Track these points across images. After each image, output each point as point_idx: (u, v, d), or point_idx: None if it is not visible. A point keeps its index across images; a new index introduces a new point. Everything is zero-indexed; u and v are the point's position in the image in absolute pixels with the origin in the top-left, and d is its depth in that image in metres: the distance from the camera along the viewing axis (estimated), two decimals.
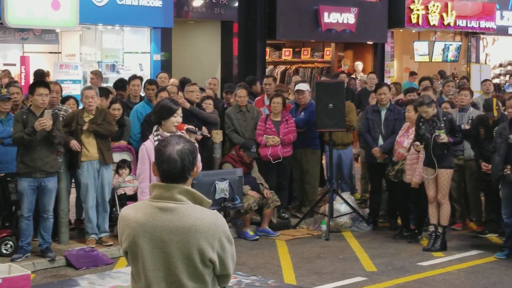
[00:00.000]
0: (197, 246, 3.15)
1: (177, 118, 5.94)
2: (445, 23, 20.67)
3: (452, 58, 21.23)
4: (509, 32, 23.36)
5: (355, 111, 11.27)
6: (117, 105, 9.41)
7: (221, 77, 16.34)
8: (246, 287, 7.56)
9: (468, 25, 21.35)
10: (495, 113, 9.23)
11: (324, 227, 9.78)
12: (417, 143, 8.85)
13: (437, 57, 20.84)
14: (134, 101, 10.35)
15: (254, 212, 9.79)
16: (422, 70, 20.68)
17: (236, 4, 16.91)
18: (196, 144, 6.02)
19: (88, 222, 8.81)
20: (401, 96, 12.26)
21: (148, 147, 6.02)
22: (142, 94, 10.76)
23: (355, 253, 9.05)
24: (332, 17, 18.09)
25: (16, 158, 8.21)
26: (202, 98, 10.36)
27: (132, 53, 15.47)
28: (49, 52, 15.52)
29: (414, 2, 19.85)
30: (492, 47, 23.89)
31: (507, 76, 17.21)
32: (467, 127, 9.70)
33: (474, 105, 10.52)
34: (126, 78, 11.67)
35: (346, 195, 10.34)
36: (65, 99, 9.77)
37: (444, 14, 20.56)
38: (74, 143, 8.53)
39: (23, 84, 12.58)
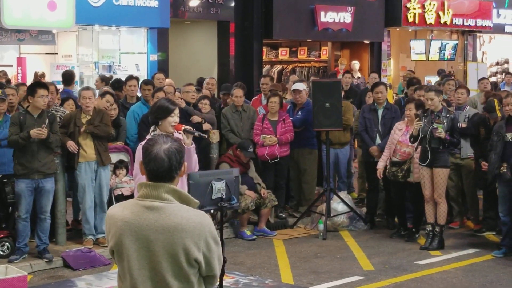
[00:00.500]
0: (183, 246, 3.14)
1: (174, 118, 5.94)
2: (442, 21, 20.67)
3: (449, 57, 21.22)
4: (505, 30, 23.37)
5: (352, 110, 11.27)
6: (110, 98, 9.33)
7: (218, 77, 16.33)
8: (244, 287, 7.56)
9: (465, 23, 21.35)
10: (499, 114, 9.22)
11: (321, 226, 9.78)
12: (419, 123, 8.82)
13: (434, 55, 20.83)
14: (131, 102, 10.34)
15: (252, 212, 9.80)
16: (419, 69, 20.68)
17: (233, 4, 16.90)
18: (194, 145, 6.09)
19: (85, 223, 8.80)
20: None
21: None
22: (139, 94, 10.75)
23: (353, 252, 9.06)
24: (328, 17, 18.08)
25: (13, 159, 8.20)
26: (198, 98, 10.36)
27: (129, 53, 15.45)
28: (46, 53, 15.51)
29: (410, 1, 19.85)
30: (489, 45, 23.90)
31: (503, 74, 17.20)
32: (464, 125, 9.71)
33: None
34: (123, 78, 11.65)
35: (343, 194, 10.35)
36: (64, 100, 9.77)
37: (440, 13, 20.56)
38: (70, 144, 8.53)
39: None
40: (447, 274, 8.17)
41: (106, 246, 8.61)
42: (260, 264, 8.52)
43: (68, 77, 12.00)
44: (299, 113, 10.54)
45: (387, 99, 10.41)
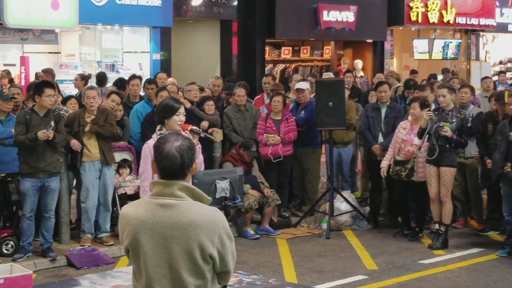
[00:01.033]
0: (198, 242, 3.17)
1: (180, 116, 5.95)
2: (445, 20, 20.66)
3: (452, 56, 21.21)
4: (508, 29, 23.35)
5: (355, 109, 11.25)
6: (116, 97, 9.33)
7: (221, 76, 16.32)
8: (247, 286, 7.56)
9: (468, 22, 21.33)
10: (506, 100, 9.20)
11: (324, 225, 9.77)
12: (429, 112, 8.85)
13: (437, 54, 20.82)
14: (134, 101, 10.35)
15: (255, 211, 9.79)
16: (422, 68, 20.66)
17: (235, 3, 16.90)
18: (200, 145, 6.09)
19: (86, 221, 8.80)
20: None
21: (151, 146, 6.02)
22: (142, 93, 10.76)
23: (356, 252, 9.05)
24: (331, 16, 18.08)
25: (18, 158, 8.20)
26: (202, 98, 10.35)
27: (132, 52, 15.46)
28: (49, 52, 15.53)
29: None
30: (492, 44, 23.88)
31: (501, 74, 17.12)
32: (468, 124, 9.69)
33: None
34: (126, 77, 11.66)
35: (346, 193, 10.34)
36: (66, 99, 9.77)
37: (443, 12, 20.55)
38: (74, 143, 8.53)
39: (23, 84, 12.57)
40: (451, 273, 8.16)
41: (110, 245, 8.67)
42: (264, 263, 8.52)
43: (101, 78, 12.42)
44: (302, 112, 10.53)
45: (390, 98, 10.40)
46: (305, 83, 10.71)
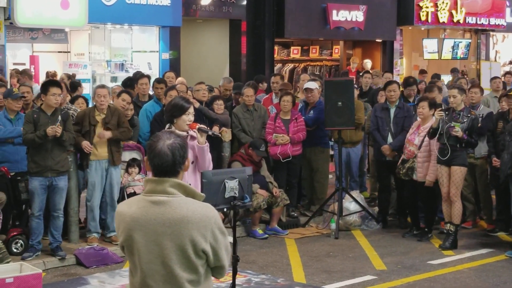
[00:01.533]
0: (190, 237, 3.22)
1: (189, 116, 5.97)
2: (455, 20, 20.60)
3: (462, 56, 21.14)
4: None
5: (364, 109, 11.22)
6: (127, 97, 9.34)
7: (229, 75, 16.33)
8: (256, 285, 7.56)
9: (478, 22, 21.26)
10: None
11: (333, 225, 9.76)
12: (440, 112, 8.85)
13: (447, 54, 20.76)
14: (143, 100, 10.36)
15: (263, 210, 9.78)
16: (432, 67, 20.61)
17: (245, 2, 16.90)
18: (207, 144, 6.09)
19: (92, 220, 8.82)
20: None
21: None
22: (150, 92, 10.77)
23: (365, 252, 9.03)
24: (340, 15, 18.06)
25: (27, 157, 8.23)
26: (212, 97, 10.34)
27: (141, 52, 15.49)
28: (58, 52, 15.59)
29: None
30: (502, 44, 23.79)
31: (507, 75, 17.02)
32: (478, 125, 9.65)
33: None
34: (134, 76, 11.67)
35: (355, 193, 10.32)
36: (74, 99, 9.78)
37: (453, 11, 20.49)
38: (86, 145, 8.54)
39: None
40: (460, 274, 8.13)
41: (118, 244, 8.68)
42: (272, 263, 8.51)
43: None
44: (311, 112, 10.51)
45: (399, 97, 10.37)
46: (314, 83, 10.70)
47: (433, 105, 9.30)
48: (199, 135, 6.01)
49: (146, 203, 3.29)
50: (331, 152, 11.17)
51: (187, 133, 6.10)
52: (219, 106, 10.05)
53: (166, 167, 3.29)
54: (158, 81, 10.54)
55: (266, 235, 9.74)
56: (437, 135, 8.88)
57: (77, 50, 15.41)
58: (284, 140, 10.04)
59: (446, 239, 9.08)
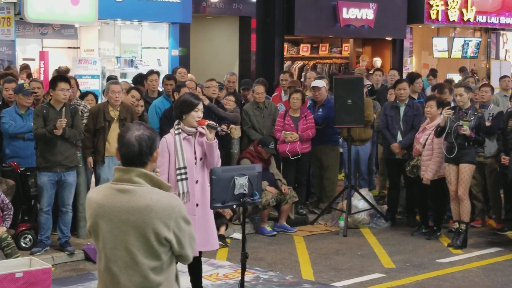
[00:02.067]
0: (152, 226, 3.32)
1: (198, 113, 5.98)
2: (465, 19, 20.51)
3: (472, 54, 21.06)
4: None
5: (372, 106, 11.19)
6: (136, 93, 9.34)
7: (239, 73, 16.32)
8: (264, 282, 7.56)
9: (488, 21, 21.17)
10: None
11: (342, 223, 9.75)
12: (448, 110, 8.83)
13: (456, 53, 20.67)
14: (152, 96, 10.37)
15: (272, 208, 9.78)
16: (441, 66, 20.53)
17: None
18: (216, 140, 6.09)
19: None
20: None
21: (168, 140, 6.07)
22: (160, 89, 10.77)
23: (373, 250, 9.02)
24: (350, 13, 18.00)
25: (36, 152, 8.25)
26: (224, 94, 10.34)
27: (150, 48, 15.49)
28: (68, 47, 15.59)
29: None
30: None
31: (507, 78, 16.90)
32: (488, 124, 9.63)
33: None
34: (145, 73, 11.67)
35: (364, 191, 10.30)
36: (83, 95, 9.80)
37: (464, 10, 20.41)
38: (90, 161, 8.67)
39: (42, 79, 12.62)
40: (469, 272, 8.11)
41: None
42: (281, 260, 8.51)
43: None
44: (320, 110, 10.50)
45: (409, 96, 10.33)
46: (321, 81, 10.67)
47: (441, 104, 9.29)
48: (208, 132, 6.01)
49: (112, 191, 3.40)
50: (340, 150, 11.15)
51: (196, 129, 6.11)
52: (228, 102, 10.03)
53: (132, 157, 3.40)
54: (168, 77, 10.54)
55: (275, 232, 9.74)
56: (444, 134, 8.86)
57: (87, 46, 15.40)
58: (293, 137, 10.03)
59: (457, 238, 9.05)
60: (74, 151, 8.33)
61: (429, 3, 19.67)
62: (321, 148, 10.52)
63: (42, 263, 6.67)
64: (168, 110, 9.22)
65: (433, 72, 15.50)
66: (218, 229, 7.47)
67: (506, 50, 23.37)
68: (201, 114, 6.05)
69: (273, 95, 11.78)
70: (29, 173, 8.48)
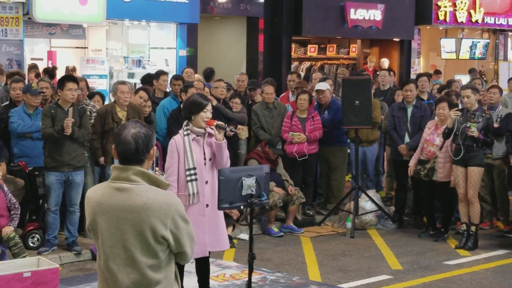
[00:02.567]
0: (149, 224, 3.35)
1: (207, 113, 5.97)
2: (473, 20, 20.45)
3: (480, 56, 21.00)
4: None
5: (380, 107, 11.17)
6: (144, 94, 9.35)
7: (246, 73, 16.31)
8: (271, 283, 7.55)
9: (496, 22, 21.10)
10: None
11: (349, 224, 9.74)
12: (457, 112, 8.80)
13: (464, 54, 20.62)
14: (159, 96, 10.37)
15: (279, 208, 9.77)
16: (449, 67, 20.48)
17: (262, 0, 16.87)
18: (225, 141, 6.09)
19: None
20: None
21: (177, 141, 6.06)
22: (167, 89, 10.78)
23: (381, 251, 9.00)
24: (358, 14, 17.97)
25: (43, 152, 8.26)
26: (230, 95, 10.32)
27: (158, 48, 15.50)
28: (76, 47, 15.62)
29: None
30: None
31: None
32: (496, 125, 9.61)
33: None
34: (153, 73, 11.67)
35: (371, 192, 10.29)
36: (90, 96, 9.81)
37: (472, 11, 20.35)
38: (101, 161, 8.70)
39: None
40: (477, 275, 8.08)
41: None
42: (288, 261, 8.50)
43: (208, 74, 12.53)
44: (326, 112, 10.48)
45: (416, 96, 10.30)
46: (325, 84, 10.64)
47: (452, 105, 9.27)
48: (217, 132, 6.01)
49: (110, 189, 3.42)
50: (348, 151, 11.13)
51: (205, 130, 6.10)
52: (234, 105, 10.02)
53: (129, 155, 3.41)
54: (176, 77, 10.54)
55: (282, 233, 9.73)
56: (452, 136, 8.83)
57: (95, 46, 15.43)
58: (301, 138, 10.02)
59: (468, 240, 9.02)
60: (82, 151, 8.34)
61: (437, 4, 19.62)
62: (329, 149, 10.51)
63: (50, 263, 6.67)
64: (176, 110, 9.22)
65: (431, 74, 15.49)
66: None
67: None
68: (210, 115, 6.04)
69: (281, 95, 11.76)
70: (37, 172, 8.50)
